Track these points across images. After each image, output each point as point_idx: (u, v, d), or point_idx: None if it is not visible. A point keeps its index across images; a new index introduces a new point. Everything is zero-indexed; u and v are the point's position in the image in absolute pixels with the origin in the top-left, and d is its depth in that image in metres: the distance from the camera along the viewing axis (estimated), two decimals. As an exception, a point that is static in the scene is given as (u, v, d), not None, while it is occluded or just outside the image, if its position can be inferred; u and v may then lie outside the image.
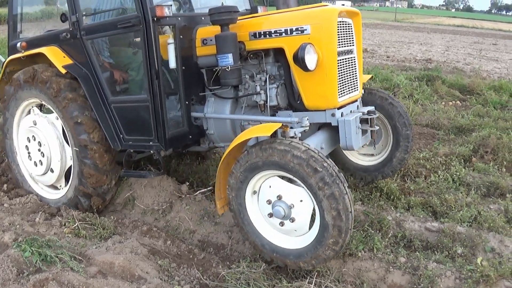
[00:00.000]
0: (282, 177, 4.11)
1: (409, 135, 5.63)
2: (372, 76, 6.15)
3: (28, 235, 4.74)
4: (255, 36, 4.78)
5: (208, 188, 5.92)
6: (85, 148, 5.30)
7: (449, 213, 5.39)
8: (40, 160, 5.79)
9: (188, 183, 6.12)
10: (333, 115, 4.65)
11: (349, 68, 4.90)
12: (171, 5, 4.82)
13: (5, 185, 6.59)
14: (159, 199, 5.75)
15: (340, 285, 4.15)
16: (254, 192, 4.33)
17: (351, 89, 4.97)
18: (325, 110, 4.67)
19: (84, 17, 5.31)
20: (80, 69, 5.37)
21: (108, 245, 4.75)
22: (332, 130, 4.88)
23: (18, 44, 5.79)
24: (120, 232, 5.27)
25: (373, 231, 4.87)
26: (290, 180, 4.08)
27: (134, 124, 5.19)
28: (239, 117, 5.08)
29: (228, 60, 4.65)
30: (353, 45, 4.98)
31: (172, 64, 4.82)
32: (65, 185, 5.87)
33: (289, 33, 4.57)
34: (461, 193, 5.91)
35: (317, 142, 4.71)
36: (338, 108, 4.68)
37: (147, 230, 5.25)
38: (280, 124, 4.13)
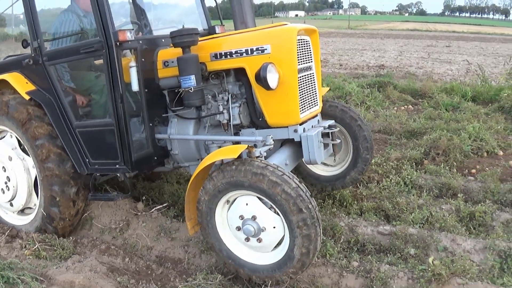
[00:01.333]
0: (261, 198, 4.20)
1: (368, 159, 5.83)
2: (329, 89, 6.28)
3: (-10, 258, 4.80)
4: (216, 57, 4.90)
5: (164, 205, 6.04)
6: (52, 219, 5.45)
7: (401, 216, 5.61)
8: (2, 189, 5.77)
9: (144, 200, 6.21)
10: (295, 131, 4.79)
11: (308, 84, 5.07)
12: (133, 29, 4.92)
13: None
14: (116, 218, 5.86)
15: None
16: (228, 202, 4.42)
17: (312, 105, 5.13)
18: (287, 127, 4.82)
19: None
20: (44, 95, 5.38)
21: (68, 264, 4.88)
22: (295, 146, 5.04)
23: None
24: (79, 252, 5.37)
25: (325, 238, 5.03)
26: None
27: (100, 148, 5.24)
28: (203, 138, 5.17)
29: (191, 81, 4.74)
30: (311, 61, 5.15)
31: (135, 87, 4.87)
32: (17, 214, 5.93)
33: (249, 53, 4.70)
34: (413, 195, 6.14)
35: (282, 160, 4.84)
36: (300, 124, 4.83)
37: (106, 249, 5.34)
38: (246, 146, 4.23)
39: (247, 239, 4.27)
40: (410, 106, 11.71)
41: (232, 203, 4.36)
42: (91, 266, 4.76)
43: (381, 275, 4.31)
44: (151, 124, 5.23)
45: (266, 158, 4.54)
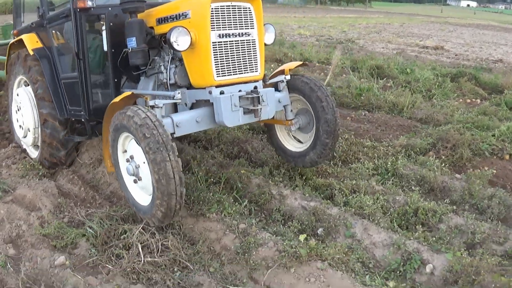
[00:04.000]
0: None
1: (327, 144, 5.38)
2: (303, 63, 5.97)
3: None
4: (159, 21, 5.10)
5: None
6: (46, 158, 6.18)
7: (338, 196, 5.32)
8: (19, 125, 6.65)
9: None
10: (210, 92, 4.74)
11: (241, 49, 4.88)
12: None
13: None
14: (93, 156, 6.41)
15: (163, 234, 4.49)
16: (125, 151, 4.66)
17: (244, 70, 4.93)
18: (205, 88, 4.80)
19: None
20: (45, 51, 6.11)
21: (32, 184, 5.57)
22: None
23: (12, 32, 6.73)
24: (55, 178, 6.07)
25: (225, 196, 5.08)
26: None
27: (73, 97, 5.79)
28: (146, 92, 5.25)
29: (132, 42, 5.03)
30: (250, 28, 4.93)
31: (104, 47, 5.33)
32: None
33: (179, 17, 4.80)
34: (374, 182, 5.71)
35: (192, 115, 4.81)
36: (218, 86, 4.74)
37: (71, 178, 5.99)
38: (129, 93, 4.47)
39: (135, 181, 4.49)
40: (478, 100, 10.56)
41: (128, 151, 4.58)
42: (46, 187, 5.42)
43: (252, 239, 4.25)
44: (116, 80, 5.52)
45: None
